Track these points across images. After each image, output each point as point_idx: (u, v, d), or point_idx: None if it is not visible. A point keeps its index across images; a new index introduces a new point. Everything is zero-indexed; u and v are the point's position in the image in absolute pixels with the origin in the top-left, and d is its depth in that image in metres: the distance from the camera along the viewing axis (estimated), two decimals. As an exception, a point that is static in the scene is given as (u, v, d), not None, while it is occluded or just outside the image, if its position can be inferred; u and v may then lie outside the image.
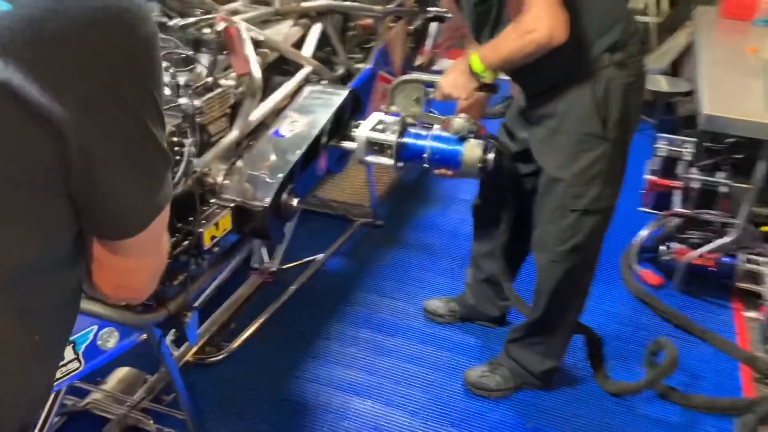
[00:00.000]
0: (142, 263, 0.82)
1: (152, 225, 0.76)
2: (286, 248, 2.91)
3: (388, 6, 2.81)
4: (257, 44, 2.11)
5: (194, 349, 2.41)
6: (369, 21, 2.76)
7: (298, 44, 2.39)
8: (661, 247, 2.96)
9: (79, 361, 1.42)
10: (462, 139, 2.03)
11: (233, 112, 1.89)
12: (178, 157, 1.46)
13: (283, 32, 2.34)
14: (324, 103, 2.12)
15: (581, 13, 1.76)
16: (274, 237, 1.90)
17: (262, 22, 2.33)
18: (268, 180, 1.81)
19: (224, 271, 2.80)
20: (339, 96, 2.15)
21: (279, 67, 2.27)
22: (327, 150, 2.12)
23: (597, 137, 1.86)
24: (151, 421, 2.06)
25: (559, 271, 2.03)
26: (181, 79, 1.64)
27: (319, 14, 2.52)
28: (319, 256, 2.99)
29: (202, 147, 1.76)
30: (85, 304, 1.42)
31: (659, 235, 3.06)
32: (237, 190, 1.80)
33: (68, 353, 1.40)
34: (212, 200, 1.75)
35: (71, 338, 1.40)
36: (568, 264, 2.01)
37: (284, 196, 1.83)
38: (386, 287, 2.85)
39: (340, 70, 2.57)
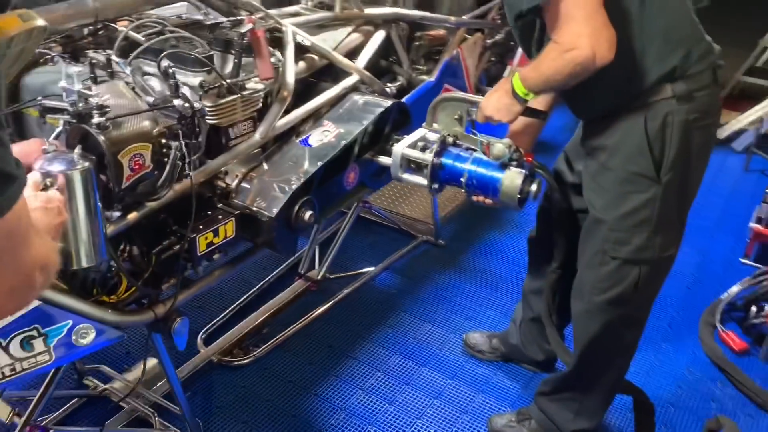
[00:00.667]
0: None
1: None
2: (337, 256, 2.85)
3: (463, 17, 2.66)
4: (303, 49, 2.05)
5: (220, 349, 2.39)
6: (440, 31, 2.63)
7: (357, 51, 2.31)
8: (753, 308, 2.59)
9: (50, 354, 1.42)
10: (503, 166, 1.84)
11: (262, 116, 1.83)
12: (166, 159, 1.42)
13: (338, 38, 2.27)
14: (362, 113, 2.02)
15: (636, 32, 1.54)
16: (282, 249, 1.82)
17: (319, 27, 2.28)
18: (280, 189, 1.73)
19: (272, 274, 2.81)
20: (379, 107, 2.04)
21: (332, 74, 2.20)
22: (360, 163, 2.02)
23: (646, 178, 1.61)
24: (157, 417, 2.06)
25: (595, 324, 1.80)
26: (195, 80, 1.61)
27: (385, 22, 2.43)
28: (371, 269, 2.89)
29: (218, 149, 1.72)
30: (62, 298, 1.42)
31: (753, 293, 2.68)
32: (249, 196, 1.74)
33: (39, 345, 1.40)
34: (219, 205, 1.70)
35: (43, 330, 1.40)
36: (605, 317, 1.77)
37: (296, 208, 1.75)
38: (429, 311, 2.69)
39: (400, 81, 2.46)
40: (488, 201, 1.90)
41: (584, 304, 1.81)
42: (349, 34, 2.31)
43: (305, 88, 2.09)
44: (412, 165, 1.98)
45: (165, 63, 1.50)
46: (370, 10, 2.39)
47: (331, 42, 2.22)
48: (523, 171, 1.82)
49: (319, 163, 1.82)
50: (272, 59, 1.82)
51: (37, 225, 1.02)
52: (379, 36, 2.37)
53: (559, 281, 2.05)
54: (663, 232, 1.67)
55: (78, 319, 1.45)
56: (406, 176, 2.00)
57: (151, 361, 2.18)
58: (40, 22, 0.86)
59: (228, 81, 1.65)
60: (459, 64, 2.66)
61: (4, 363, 1.36)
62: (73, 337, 1.45)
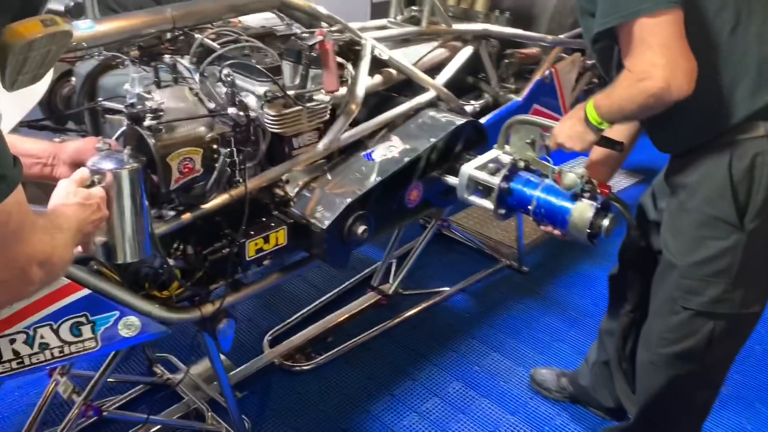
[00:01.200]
0: None
1: None
2: (412, 273, 2.81)
3: (561, 36, 2.54)
4: (381, 63, 2.04)
5: (284, 352, 2.43)
6: (533, 50, 2.52)
7: (440, 67, 2.26)
8: None
9: (96, 342, 1.49)
10: (575, 197, 1.73)
11: (327, 126, 1.84)
12: (216, 165, 1.45)
13: (422, 53, 2.23)
14: (432, 130, 1.97)
15: (725, 63, 1.38)
16: (333, 262, 1.81)
17: (405, 42, 2.26)
18: (336, 202, 1.72)
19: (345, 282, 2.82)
20: (451, 125, 1.98)
21: (411, 89, 2.17)
22: (426, 181, 1.97)
23: (727, 224, 1.44)
24: (210, 413, 2.12)
25: (660, 378, 1.64)
26: (261, 89, 1.64)
27: (475, 38, 2.37)
28: (445, 289, 2.83)
29: (281, 158, 1.74)
30: (112, 289, 1.48)
31: None
32: (307, 206, 1.75)
33: (87, 331, 1.47)
34: (275, 212, 1.72)
35: (92, 318, 1.47)
36: (672, 372, 1.61)
37: (349, 221, 1.73)
38: (499, 340, 2.58)
39: (485, 99, 2.39)
40: (556, 232, 1.78)
41: (650, 354, 1.65)
42: (433, 49, 2.27)
43: (380, 102, 2.08)
44: (479, 187, 1.90)
45: (225, 71, 1.54)
46: (458, 26, 2.34)
47: (414, 57, 2.20)
48: (595, 204, 1.69)
49: (378, 178, 1.79)
50: (343, 71, 1.83)
51: (65, 220, 1.08)
52: (466, 52, 2.31)
53: (632, 325, 1.90)
54: (746, 285, 1.49)
55: (125, 311, 1.51)
56: (473, 198, 1.92)
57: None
58: (65, 27, 0.90)
59: (288, 91, 1.66)
60: (553, 85, 2.55)
61: (54, 344, 1.44)
62: (119, 328, 1.51)
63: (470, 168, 1.89)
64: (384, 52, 2.02)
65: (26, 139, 1.28)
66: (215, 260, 1.60)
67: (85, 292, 1.45)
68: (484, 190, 1.89)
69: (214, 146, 1.45)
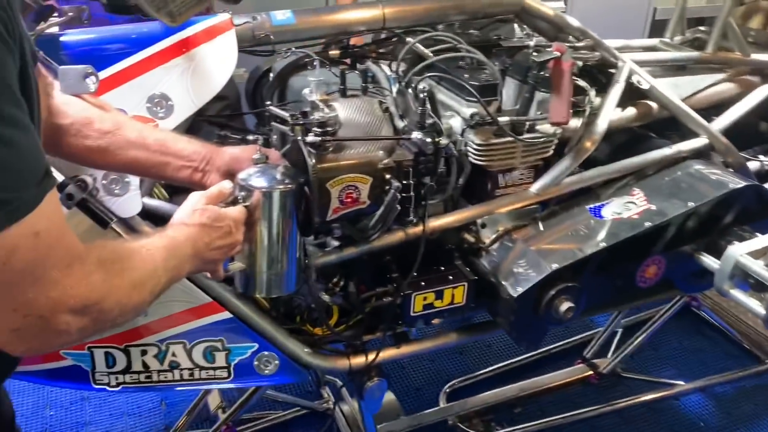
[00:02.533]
0: None
1: None
2: (640, 351, 2.28)
3: None
4: (640, 93, 1.59)
5: (460, 412, 2.09)
6: None
7: (722, 107, 1.72)
8: None
9: (228, 372, 1.31)
10: None
11: (549, 164, 1.46)
12: (386, 198, 1.16)
13: (699, 86, 1.71)
14: (694, 190, 1.46)
15: None
16: (519, 340, 1.42)
17: (678, 69, 1.76)
18: (539, 264, 1.34)
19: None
20: (723, 188, 1.46)
21: (675, 130, 1.68)
22: (671, 256, 1.47)
23: None
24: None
25: None
26: (467, 111, 1.32)
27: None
28: (680, 383, 2.24)
29: (481, 195, 1.41)
30: (255, 318, 1.30)
31: None
32: (501, 261, 1.39)
33: (221, 359, 1.30)
34: (458, 261, 1.39)
35: (227, 345, 1.30)
36: None
37: (551, 293, 1.33)
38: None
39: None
40: None
41: None
42: (717, 82, 1.74)
43: (628, 142, 1.63)
44: (749, 280, 1.37)
45: (422, 85, 1.25)
46: (759, 56, 1.76)
47: (686, 89, 1.69)
48: None
49: (602, 244, 1.36)
50: (583, 99, 1.43)
51: (172, 246, 0.88)
52: (763, 91, 1.73)
53: None
54: None
55: (265, 345, 1.31)
56: (736, 294, 1.40)
57: (389, 395, 2.00)
58: None
59: (504, 116, 1.32)
60: None
61: (184, 365, 1.30)
62: (256, 363, 1.32)
63: (740, 251, 1.38)
64: (645, 80, 1.56)
65: (181, 138, 1.13)
66: (375, 307, 1.33)
67: (226, 315, 1.28)
68: (756, 285, 1.36)
69: (387, 176, 1.16)
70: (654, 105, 1.61)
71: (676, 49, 1.81)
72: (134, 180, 1.18)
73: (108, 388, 1.29)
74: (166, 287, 0.85)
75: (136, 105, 1.19)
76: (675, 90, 1.63)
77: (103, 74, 1.15)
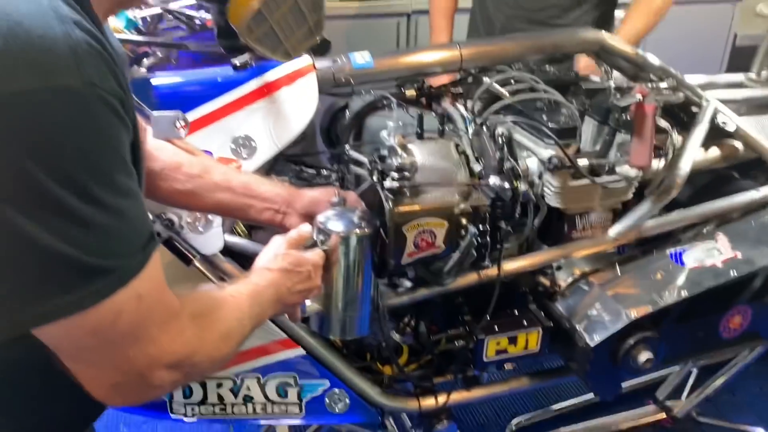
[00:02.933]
0: (78, 369, 0.65)
1: (58, 333, 0.57)
2: (718, 396, 2.17)
3: None
4: (724, 133, 1.53)
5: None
6: None
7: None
8: None
9: (300, 408, 1.33)
10: None
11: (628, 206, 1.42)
12: (462, 243, 1.16)
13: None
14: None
15: None
16: (595, 388, 1.39)
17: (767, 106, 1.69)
18: (618, 312, 1.30)
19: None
20: (816, 236, 1.39)
21: (764, 172, 1.61)
22: (760, 308, 1.40)
23: None
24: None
25: None
26: (545, 153, 1.30)
27: None
28: (761, 431, 2.12)
29: (557, 238, 1.39)
30: (326, 355, 1.31)
31: None
32: (577, 306, 1.36)
33: (293, 395, 1.32)
34: (532, 305, 1.37)
35: (300, 381, 1.31)
36: None
37: (630, 342, 1.29)
38: None
39: None
40: None
41: None
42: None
43: (711, 184, 1.57)
44: None
45: (500, 129, 1.24)
46: None
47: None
48: None
49: (684, 293, 1.31)
50: (664, 139, 1.39)
51: (255, 294, 0.90)
52: None
53: None
54: None
55: (336, 383, 1.32)
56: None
57: None
58: None
59: (583, 158, 1.29)
60: None
61: (258, 400, 1.32)
62: (327, 401, 1.33)
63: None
64: (732, 120, 1.51)
65: (264, 181, 1.16)
66: (447, 350, 1.32)
67: (299, 351, 1.30)
68: None
69: (464, 221, 1.16)
70: (739, 145, 1.55)
71: (763, 86, 1.74)
72: (217, 218, 1.22)
73: (185, 418, 1.32)
74: (250, 334, 0.88)
75: (221, 146, 1.22)
76: (762, 130, 1.56)
77: (191, 116, 1.19)
